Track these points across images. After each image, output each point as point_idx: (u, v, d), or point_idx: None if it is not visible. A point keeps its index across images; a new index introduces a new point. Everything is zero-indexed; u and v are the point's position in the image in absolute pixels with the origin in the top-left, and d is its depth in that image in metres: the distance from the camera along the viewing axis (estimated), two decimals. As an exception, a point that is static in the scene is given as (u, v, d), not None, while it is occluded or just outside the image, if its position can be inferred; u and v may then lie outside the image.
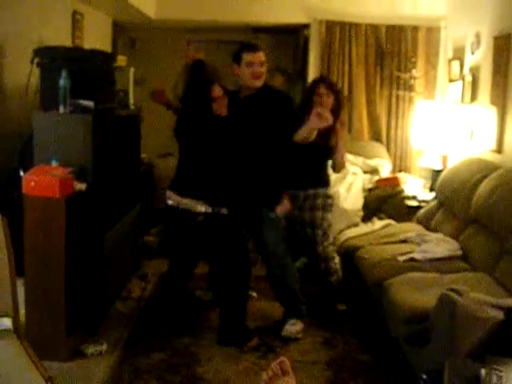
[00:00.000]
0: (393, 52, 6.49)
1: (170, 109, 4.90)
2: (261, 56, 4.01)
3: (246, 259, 4.18)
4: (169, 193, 4.15)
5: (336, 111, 4.33)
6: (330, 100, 4.44)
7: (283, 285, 4.25)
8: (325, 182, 4.56)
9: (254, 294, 4.82)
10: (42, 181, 3.44)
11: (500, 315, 2.68)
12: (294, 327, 4.16)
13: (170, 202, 4.13)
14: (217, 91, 4.05)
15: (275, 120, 3.97)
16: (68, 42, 5.33)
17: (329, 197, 4.57)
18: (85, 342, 3.79)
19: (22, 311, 3.32)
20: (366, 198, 5.72)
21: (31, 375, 2.38)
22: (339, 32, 6.45)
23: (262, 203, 4.14)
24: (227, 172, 4.06)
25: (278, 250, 4.17)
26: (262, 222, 4.14)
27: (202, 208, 4.02)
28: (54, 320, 3.56)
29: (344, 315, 4.55)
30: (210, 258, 4.50)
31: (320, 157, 4.46)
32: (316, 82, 4.62)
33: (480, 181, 4.25)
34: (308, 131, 3.80)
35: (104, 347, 3.78)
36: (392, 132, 6.60)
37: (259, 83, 4.02)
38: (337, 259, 4.70)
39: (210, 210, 4.01)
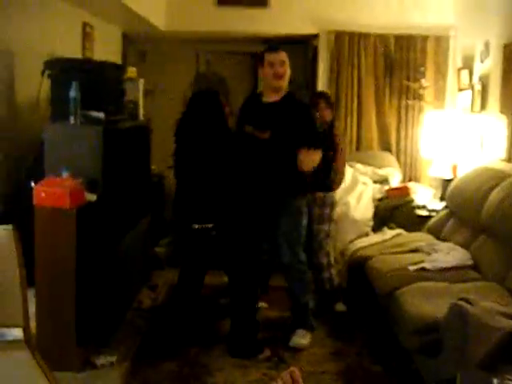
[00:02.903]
0: (402, 61, 6.50)
1: None
2: (281, 56, 4.12)
3: (255, 270, 4.19)
4: None
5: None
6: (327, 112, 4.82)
7: (297, 295, 4.27)
8: None
9: (264, 305, 4.80)
10: (53, 192, 3.45)
11: (512, 325, 2.67)
12: (302, 339, 4.16)
13: None
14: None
15: (294, 131, 4.05)
16: (78, 54, 5.37)
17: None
18: (95, 352, 3.79)
19: (33, 322, 3.32)
20: (376, 208, 5.70)
21: (42, 386, 2.38)
22: (348, 42, 6.46)
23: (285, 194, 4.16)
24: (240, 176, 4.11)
25: (297, 266, 4.21)
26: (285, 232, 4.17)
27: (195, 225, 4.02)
28: (64, 330, 3.56)
29: (344, 316, 4.66)
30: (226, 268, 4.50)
31: None
32: (316, 96, 5.00)
33: (490, 190, 4.23)
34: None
35: (114, 358, 3.77)
36: (402, 141, 6.60)
37: (281, 83, 4.12)
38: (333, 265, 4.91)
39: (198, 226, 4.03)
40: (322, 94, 5.13)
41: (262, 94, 4.31)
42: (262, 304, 4.77)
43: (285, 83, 4.14)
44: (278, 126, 4.07)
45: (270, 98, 4.19)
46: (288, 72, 4.15)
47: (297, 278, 4.24)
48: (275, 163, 4.08)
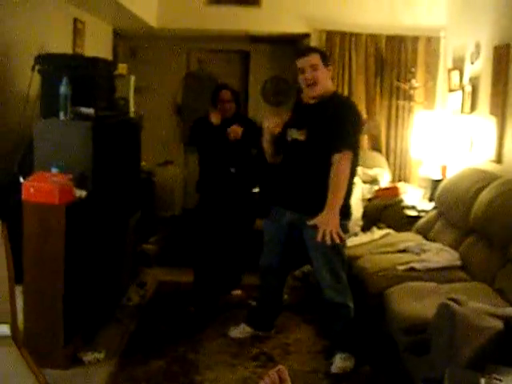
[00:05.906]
0: (393, 62, 6.51)
1: None
2: (312, 59, 3.67)
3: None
4: None
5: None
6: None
7: (337, 309, 3.86)
8: None
9: (253, 303, 4.80)
10: (42, 187, 3.44)
11: (499, 325, 2.68)
12: (345, 363, 3.79)
13: None
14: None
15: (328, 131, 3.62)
16: (69, 50, 5.34)
17: None
18: (83, 349, 3.78)
19: (21, 318, 3.31)
20: (365, 208, 5.71)
21: (29, 382, 2.37)
22: (339, 42, 6.47)
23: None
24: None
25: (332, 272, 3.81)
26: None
27: None
28: (52, 327, 3.55)
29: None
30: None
31: None
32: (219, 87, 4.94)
33: (479, 191, 4.25)
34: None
35: (102, 355, 3.77)
36: (391, 142, 6.61)
37: (314, 92, 3.70)
38: None
39: None
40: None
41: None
42: (250, 302, 4.78)
43: (320, 90, 3.68)
44: (314, 126, 3.67)
45: (311, 100, 3.78)
46: (324, 75, 3.69)
47: (337, 316, 3.87)
48: (315, 172, 3.66)
